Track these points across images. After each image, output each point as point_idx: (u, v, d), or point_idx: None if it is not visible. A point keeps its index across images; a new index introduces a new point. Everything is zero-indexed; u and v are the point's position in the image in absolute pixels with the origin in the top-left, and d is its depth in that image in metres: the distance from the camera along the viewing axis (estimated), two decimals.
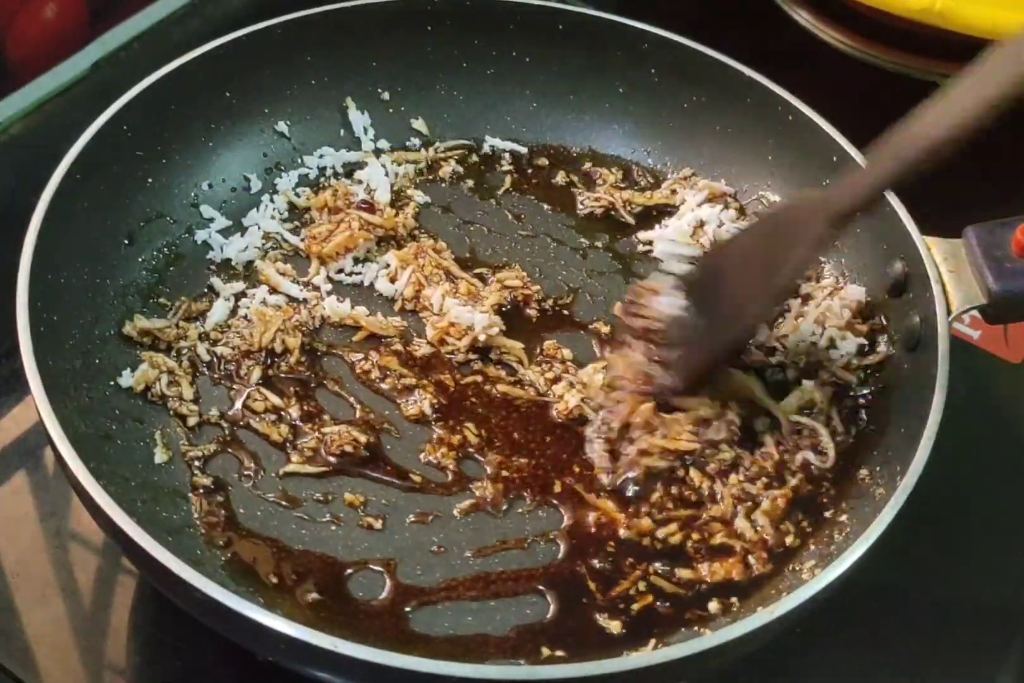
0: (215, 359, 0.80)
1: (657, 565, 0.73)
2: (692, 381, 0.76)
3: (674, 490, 0.76)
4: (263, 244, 0.87)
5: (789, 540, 0.74)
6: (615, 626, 0.70)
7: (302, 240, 0.87)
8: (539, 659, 0.68)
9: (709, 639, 0.61)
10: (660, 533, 0.74)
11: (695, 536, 0.74)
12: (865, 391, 0.80)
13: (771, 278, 0.70)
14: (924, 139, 0.64)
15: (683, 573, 0.73)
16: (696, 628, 0.70)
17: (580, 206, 0.93)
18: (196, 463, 0.75)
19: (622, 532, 0.74)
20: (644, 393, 0.76)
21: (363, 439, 0.76)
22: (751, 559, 0.73)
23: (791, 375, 0.81)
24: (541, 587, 0.72)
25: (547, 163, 0.95)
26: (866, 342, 0.82)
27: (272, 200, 0.89)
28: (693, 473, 0.76)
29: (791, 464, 0.77)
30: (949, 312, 0.75)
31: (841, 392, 0.80)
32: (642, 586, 0.72)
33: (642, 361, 0.77)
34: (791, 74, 0.90)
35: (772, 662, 0.76)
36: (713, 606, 0.71)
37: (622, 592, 0.72)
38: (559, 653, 0.69)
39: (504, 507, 0.75)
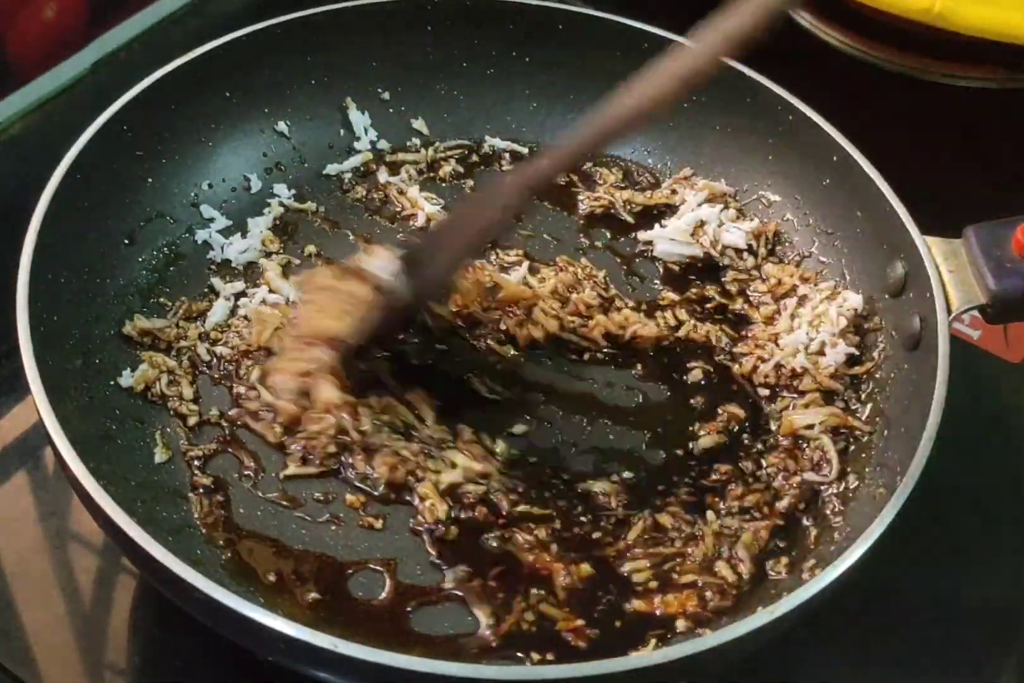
0: (215, 359, 0.80)
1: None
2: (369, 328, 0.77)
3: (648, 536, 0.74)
4: (262, 249, 0.87)
5: (772, 575, 0.73)
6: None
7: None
8: (541, 659, 0.69)
9: (709, 639, 0.61)
10: (626, 567, 0.73)
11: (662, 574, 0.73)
12: (863, 393, 0.81)
13: (465, 236, 0.77)
14: (601, 121, 0.72)
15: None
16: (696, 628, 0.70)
17: (580, 206, 0.93)
18: (196, 463, 0.75)
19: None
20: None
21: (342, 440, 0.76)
22: (710, 594, 0.72)
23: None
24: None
25: None
26: (857, 352, 0.81)
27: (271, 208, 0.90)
28: (664, 518, 0.75)
29: (784, 491, 0.76)
30: (949, 312, 0.75)
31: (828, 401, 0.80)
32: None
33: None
34: (791, 74, 0.90)
35: (772, 662, 0.76)
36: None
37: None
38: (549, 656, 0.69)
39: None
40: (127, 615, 0.75)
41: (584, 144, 0.74)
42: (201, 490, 0.74)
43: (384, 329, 0.77)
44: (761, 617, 0.62)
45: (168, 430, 0.77)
